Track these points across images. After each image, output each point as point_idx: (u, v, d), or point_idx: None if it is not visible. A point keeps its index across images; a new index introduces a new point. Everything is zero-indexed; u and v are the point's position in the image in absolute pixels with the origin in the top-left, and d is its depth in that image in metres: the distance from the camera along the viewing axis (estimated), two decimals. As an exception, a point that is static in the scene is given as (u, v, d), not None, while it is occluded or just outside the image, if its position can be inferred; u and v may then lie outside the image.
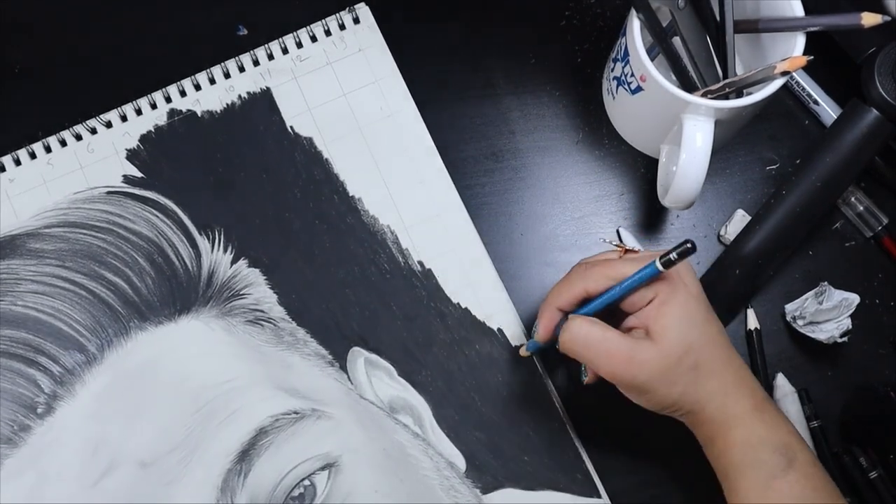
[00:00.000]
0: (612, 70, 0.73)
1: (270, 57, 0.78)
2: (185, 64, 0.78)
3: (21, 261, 0.74)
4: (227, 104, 0.77)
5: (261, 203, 0.76)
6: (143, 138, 0.77)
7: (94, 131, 0.77)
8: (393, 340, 0.74)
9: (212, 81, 0.77)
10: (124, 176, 0.76)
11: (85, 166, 0.76)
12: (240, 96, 0.77)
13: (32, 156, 0.76)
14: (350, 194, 0.76)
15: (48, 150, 0.76)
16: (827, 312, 0.72)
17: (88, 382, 0.72)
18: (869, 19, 0.64)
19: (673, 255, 0.59)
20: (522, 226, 0.77)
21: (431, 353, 0.74)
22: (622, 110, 0.75)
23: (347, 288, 0.75)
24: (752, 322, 0.75)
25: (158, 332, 0.73)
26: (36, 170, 0.76)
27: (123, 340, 0.73)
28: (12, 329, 0.73)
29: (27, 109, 0.78)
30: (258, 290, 0.74)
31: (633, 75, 0.69)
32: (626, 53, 0.69)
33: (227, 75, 0.77)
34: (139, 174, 0.76)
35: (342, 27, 0.78)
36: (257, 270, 0.75)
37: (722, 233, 0.76)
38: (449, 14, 0.80)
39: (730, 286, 0.74)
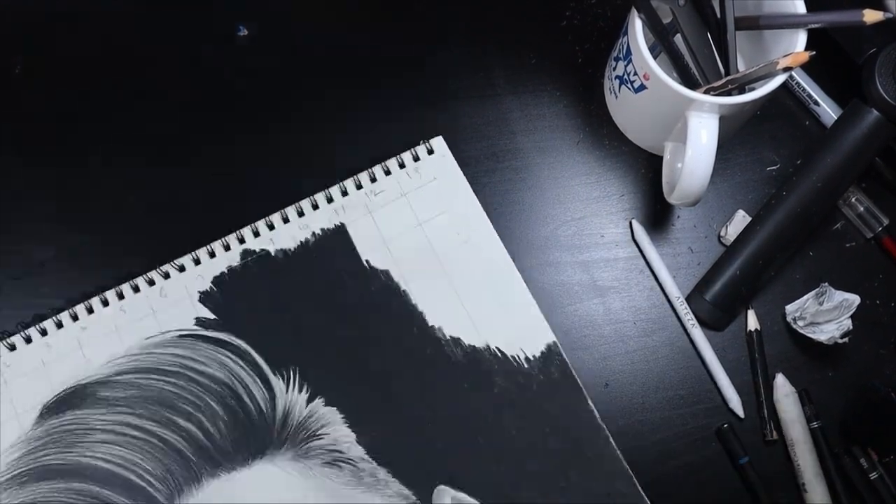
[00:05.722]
0: (615, 69, 0.73)
1: (344, 193, 0.76)
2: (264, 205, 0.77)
3: (92, 410, 0.72)
4: (301, 241, 0.75)
5: (336, 340, 0.73)
6: (216, 280, 0.75)
7: (167, 276, 0.75)
8: (481, 476, 0.70)
9: (285, 220, 0.75)
10: (196, 318, 0.74)
11: (157, 311, 0.74)
12: (314, 233, 0.75)
13: (105, 303, 0.74)
14: (430, 324, 0.73)
15: (121, 296, 0.74)
16: (827, 313, 0.72)
17: None
18: (870, 16, 0.65)
19: None
20: (523, 226, 0.77)
21: (524, 489, 0.71)
22: (625, 109, 0.75)
23: (430, 423, 0.72)
24: (753, 323, 0.75)
25: (230, 479, 0.70)
26: (109, 316, 0.74)
27: (194, 489, 0.70)
28: (81, 482, 0.71)
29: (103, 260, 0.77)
30: (336, 429, 0.71)
31: (636, 74, 0.69)
32: (629, 52, 0.69)
33: (300, 213, 0.76)
34: (212, 316, 0.74)
35: (416, 159, 0.77)
36: (334, 409, 0.72)
37: (722, 233, 0.76)
38: (449, 14, 0.80)
39: (730, 287, 0.74)
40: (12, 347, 0.73)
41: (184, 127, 0.78)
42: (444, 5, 0.80)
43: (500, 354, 0.73)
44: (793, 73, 0.74)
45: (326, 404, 0.72)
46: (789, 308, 0.74)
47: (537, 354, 0.73)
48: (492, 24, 0.80)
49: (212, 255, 0.75)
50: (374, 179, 0.76)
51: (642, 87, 0.69)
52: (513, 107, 0.78)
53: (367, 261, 0.75)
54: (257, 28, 0.80)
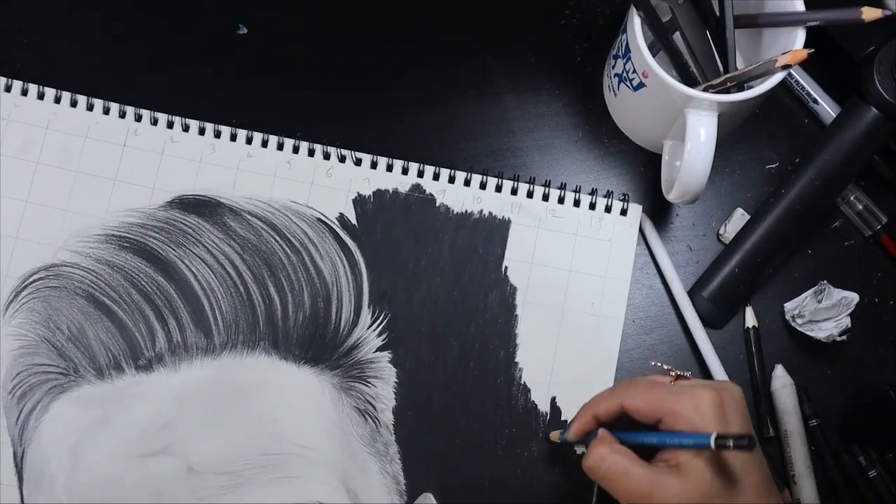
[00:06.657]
0: (614, 67, 0.73)
1: (529, 195, 0.76)
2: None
3: (212, 227, 0.74)
4: (466, 211, 0.76)
5: (436, 316, 0.74)
6: (378, 193, 0.76)
7: (342, 160, 0.76)
8: None
9: (466, 183, 0.76)
10: (341, 214, 0.75)
11: (315, 184, 0.75)
12: (481, 211, 0.76)
13: (280, 147, 0.76)
14: (516, 360, 0.74)
15: (296, 150, 0.76)
16: (826, 311, 0.72)
17: (195, 368, 0.72)
18: (869, 14, 0.65)
19: (730, 443, 0.55)
20: (522, 224, 0.77)
21: None
22: (624, 107, 0.76)
23: (457, 437, 0.73)
24: (750, 320, 0.75)
25: (278, 366, 0.72)
26: (274, 161, 0.76)
27: (247, 353, 0.72)
28: (166, 280, 0.73)
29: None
30: (384, 388, 0.73)
31: (635, 71, 0.69)
32: (628, 50, 0.69)
33: (482, 186, 0.76)
34: (354, 221, 0.75)
35: (608, 210, 0.76)
36: (395, 371, 0.73)
37: (721, 232, 0.76)
38: (448, 13, 0.80)
39: (729, 285, 0.74)
40: (186, 129, 0.77)
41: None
42: (444, 4, 0.80)
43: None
44: (791, 71, 0.74)
45: (391, 362, 0.73)
46: (788, 306, 0.75)
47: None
48: (491, 23, 0.80)
49: (389, 168, 0.76)
50: (561, 200, 0.76)
51: (641, 85, 0.69)
52: (512, 105, 0.78)
53: (506, 266, 0.75)
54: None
